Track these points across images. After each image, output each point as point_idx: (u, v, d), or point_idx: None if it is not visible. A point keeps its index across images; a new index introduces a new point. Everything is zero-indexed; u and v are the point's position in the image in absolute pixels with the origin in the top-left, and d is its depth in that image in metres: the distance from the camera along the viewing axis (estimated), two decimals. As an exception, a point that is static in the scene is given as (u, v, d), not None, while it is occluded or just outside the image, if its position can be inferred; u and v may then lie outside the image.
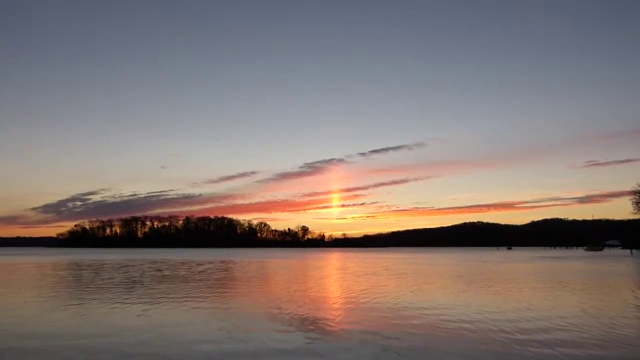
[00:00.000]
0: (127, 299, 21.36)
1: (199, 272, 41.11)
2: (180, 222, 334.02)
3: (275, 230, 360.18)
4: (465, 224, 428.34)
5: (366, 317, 16.50)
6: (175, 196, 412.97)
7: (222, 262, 64.93)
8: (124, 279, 32.67)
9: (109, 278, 33.62)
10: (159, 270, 43.85)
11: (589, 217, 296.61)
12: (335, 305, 19.54)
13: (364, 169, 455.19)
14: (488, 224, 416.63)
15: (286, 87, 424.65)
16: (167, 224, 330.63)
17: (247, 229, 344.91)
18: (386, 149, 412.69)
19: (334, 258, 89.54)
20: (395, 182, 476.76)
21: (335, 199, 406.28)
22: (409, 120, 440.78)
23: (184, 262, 62.08)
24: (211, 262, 62.84)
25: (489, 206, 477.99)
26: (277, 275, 38.61)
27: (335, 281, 32.20)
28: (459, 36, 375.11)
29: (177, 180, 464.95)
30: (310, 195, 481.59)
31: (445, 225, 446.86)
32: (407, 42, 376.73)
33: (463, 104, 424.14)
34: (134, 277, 35.10)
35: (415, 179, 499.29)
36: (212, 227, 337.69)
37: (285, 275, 37.79)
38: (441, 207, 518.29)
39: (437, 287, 27.75)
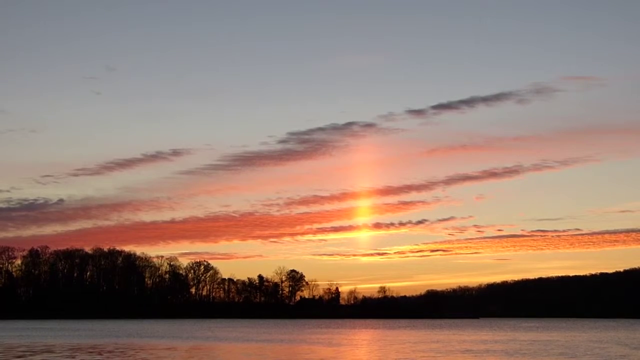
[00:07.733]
0: None
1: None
2: (17, 260, 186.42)
3: (230, 280, 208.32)
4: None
5: None
6: (4, 205, 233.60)
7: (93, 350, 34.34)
8: None
9: None
10: None
11: None
12: None
13: (424, 146, 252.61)
14: None
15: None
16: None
17: (167, 276, 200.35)
18: (470, 102, 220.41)
19: (349, 340, 50.51)
20: (493, 175, 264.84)
21: (363, 210, 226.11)
22: (520, 44, 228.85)
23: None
24: (50, 352, 33.22)
25: None
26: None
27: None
28: None
29: (7, 171, 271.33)
30: (305, 202, 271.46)
31: (611, 269, 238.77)
32: None
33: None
34: None
35: (537, 167, 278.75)
36: (89, 272, 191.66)
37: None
38: (601, 229, 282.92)
39: None
